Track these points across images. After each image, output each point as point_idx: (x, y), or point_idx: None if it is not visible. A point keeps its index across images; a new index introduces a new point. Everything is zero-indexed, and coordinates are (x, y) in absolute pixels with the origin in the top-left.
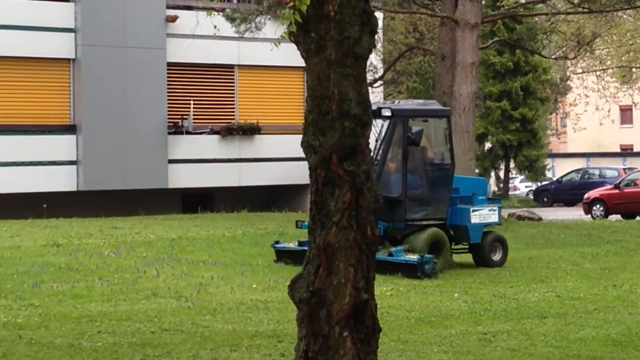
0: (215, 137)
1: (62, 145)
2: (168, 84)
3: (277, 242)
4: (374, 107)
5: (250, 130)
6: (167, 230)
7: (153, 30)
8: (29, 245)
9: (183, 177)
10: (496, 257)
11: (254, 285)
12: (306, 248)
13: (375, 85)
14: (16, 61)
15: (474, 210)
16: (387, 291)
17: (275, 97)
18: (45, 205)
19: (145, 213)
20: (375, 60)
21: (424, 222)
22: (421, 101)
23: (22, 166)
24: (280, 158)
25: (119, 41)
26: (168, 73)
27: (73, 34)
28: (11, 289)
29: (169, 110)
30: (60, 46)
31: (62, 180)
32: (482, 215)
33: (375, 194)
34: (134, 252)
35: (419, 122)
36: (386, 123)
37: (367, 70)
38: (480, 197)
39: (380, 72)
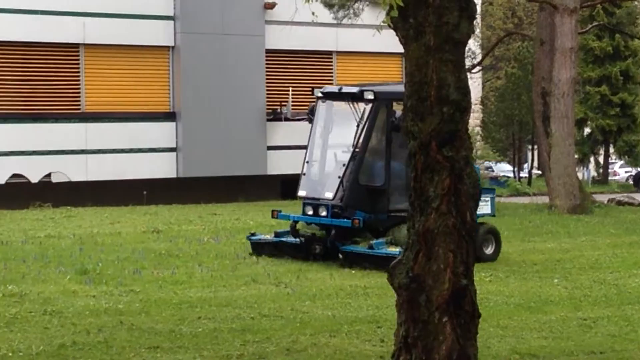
0: None
1: (162, 133)
2: (267, 71)
3: (252, 234)
4: (355, 90)
5: None
6: (266, 217)
7: (251, 17)
8: (130, 232)
9: (282, 164)
10: (488, 250)
11: (352, 271)
12: (284, 239)
13: (473, 71)
14: (117, 49)
15: None
16: (485, 277)
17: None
18: (145, 192)
19: (244, 199)
20: (473, 46)
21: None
22: (400, 82)
23: (122, 153)
24: None
25: (218, 28)
26: (267, 60)
27: (172, 22)
28: (112, 275)
29: (267, 97)
30: (160, 34)
31: (162, 167)
32: None
33: (475, 179)
34: (233, 239)
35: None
36: (369, 107)
37: (465, 56)
38: None
39: (479, 57)
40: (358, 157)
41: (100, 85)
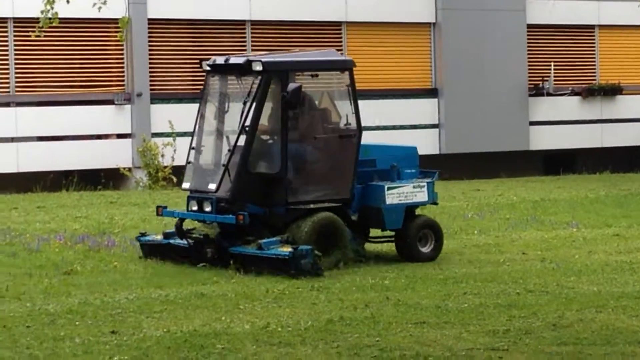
0: (576, 98)
1: (424, 109)
2: (528, 46)
3: (142, 234)
4: (240, 61)
5: (611, 91)
6: (529, 192)
7: None
8: None
9: (544, 139)
10: (425, 248)
11: (618, 247)
12: (172, 241)
13: None
14: (378, 26)
15: (390, 188)
16: None
17: (638, 57)
18: None
19: (506, 175)
20: None
21: (314, 206)
22: (313, 51)
23: (384, 130)
24: None
25: (479, 4)
26: (528, 35)
27: None
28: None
29: (529, 72)
30: (421, 11)
31: (425, 144)
32: (404, 193)
33: None
34: (497, 214)
35: (306, 77)
36: (257, 80)
37: None
38: (408, 171)
39: None
40: (246, 140)
41: (362, 62)
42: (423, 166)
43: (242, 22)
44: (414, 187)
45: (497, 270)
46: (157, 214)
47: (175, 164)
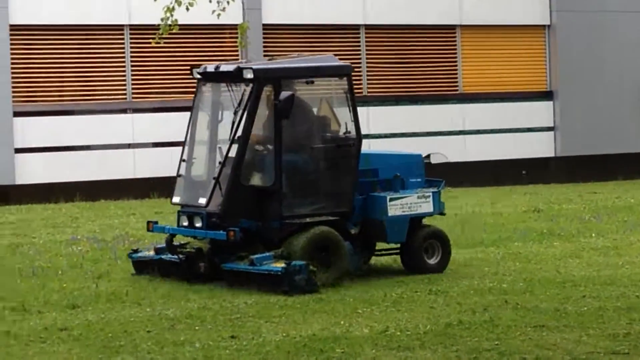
0: None
1: (539, 112)
2: None
3: (135, 251)
4: (231, 68)
5: None
6: None
7: None
8: (510, 212)
9: None
10: (432, 260)
11: None
12: (164, 257)
13: None
14: (492, 29)
15: (392, 199)
16: None
17: None
18: (524, 172)
19: (623, 178)
20: None
21: (310, 220)
22: (309, 57)
23: (499, 133)
24: None
25: (595, 5)
26: None
27: (548, 1)
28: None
29: None
30: (535, 13)
31: (540, 147)
32: (407, 204)
33: None
34: (614, 217)
35: (303, 84)
36: (249, 88)
37: None
38: (413, 180)
39: None
40: (238, 152)
41: (476, 65)
42: (537, 170)
43: (357, 27)
44: (418, 197)
45: (616, 273)
46: (148, 230)
47: None
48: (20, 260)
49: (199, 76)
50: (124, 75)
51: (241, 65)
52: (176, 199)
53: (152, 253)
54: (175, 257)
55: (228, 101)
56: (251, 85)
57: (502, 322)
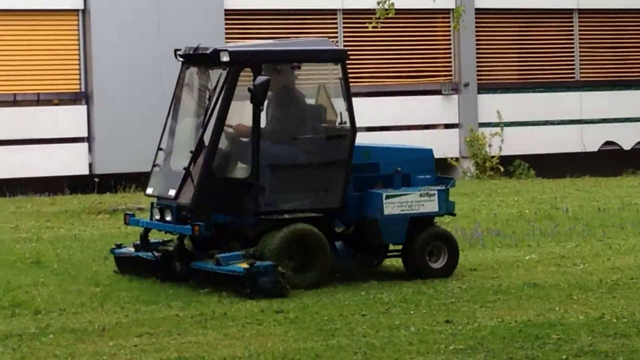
0: None
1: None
2: None
3: (118, 246)
4: (208, 51)
5: None
6: None
7: None
8: None
9: None
10: (436, 264)
11: None
12: (141, 254)
13: None
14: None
15: (389, 196)
16: None
17: None
18: None
19: None
20: None
21: (288, 216)
22: (300, 40)
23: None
24: None
25: None
26: None
27: None
28: None
29: None
30: None
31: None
32: (407, 203)
33: None
34: None
35: (286, 69)
36: (225, 73)
37: None
38: (420, 176)
39: None
40: (211, 141)
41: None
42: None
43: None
44: (420, 195)
45: None
46: (125, 222)
47: (502, 153)
48: None
49: (181, 59)
50: None
51: (218, 47)
52: (149, 190)
53: (132, 250)
54: (150, 254)
55: (204, 86)
56: (227, 68)
57: None
